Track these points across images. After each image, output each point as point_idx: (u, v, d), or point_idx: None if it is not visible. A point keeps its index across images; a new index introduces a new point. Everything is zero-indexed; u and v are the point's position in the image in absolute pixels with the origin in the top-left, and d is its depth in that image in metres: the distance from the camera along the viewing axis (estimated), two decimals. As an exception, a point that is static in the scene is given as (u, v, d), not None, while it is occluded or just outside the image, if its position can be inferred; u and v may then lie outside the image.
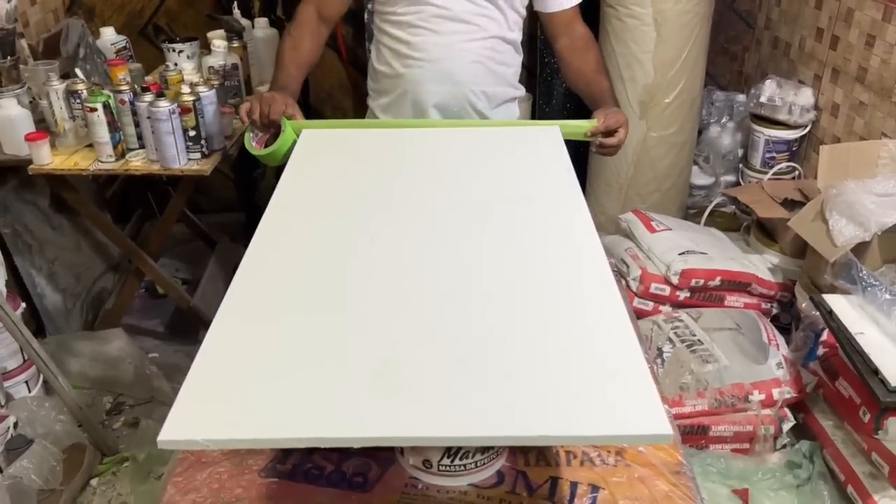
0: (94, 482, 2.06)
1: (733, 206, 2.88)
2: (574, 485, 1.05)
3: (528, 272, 1.10)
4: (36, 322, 2.48)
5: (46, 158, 2.03)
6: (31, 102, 2.20)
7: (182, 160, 2.01)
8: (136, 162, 2.05)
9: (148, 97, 1.95)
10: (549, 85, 3.16)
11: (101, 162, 2.04)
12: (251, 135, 1.66)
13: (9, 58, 2.10)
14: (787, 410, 2.08)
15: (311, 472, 1.07)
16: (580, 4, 1.83)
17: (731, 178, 3.06)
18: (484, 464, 1.05)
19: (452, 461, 1.03)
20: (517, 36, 1.82)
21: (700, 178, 3.10)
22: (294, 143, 1.60)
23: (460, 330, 0.97)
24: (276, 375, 0.89)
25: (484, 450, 1.04)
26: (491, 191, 1.35)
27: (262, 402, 0.86)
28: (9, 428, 2.04)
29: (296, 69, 1.73)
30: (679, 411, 2.05)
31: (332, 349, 0.94)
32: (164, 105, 1.92)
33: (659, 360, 2.17)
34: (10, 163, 2.13)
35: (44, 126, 2.16)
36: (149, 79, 2.10)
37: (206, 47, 2.41)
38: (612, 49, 2.72)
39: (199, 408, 0.86)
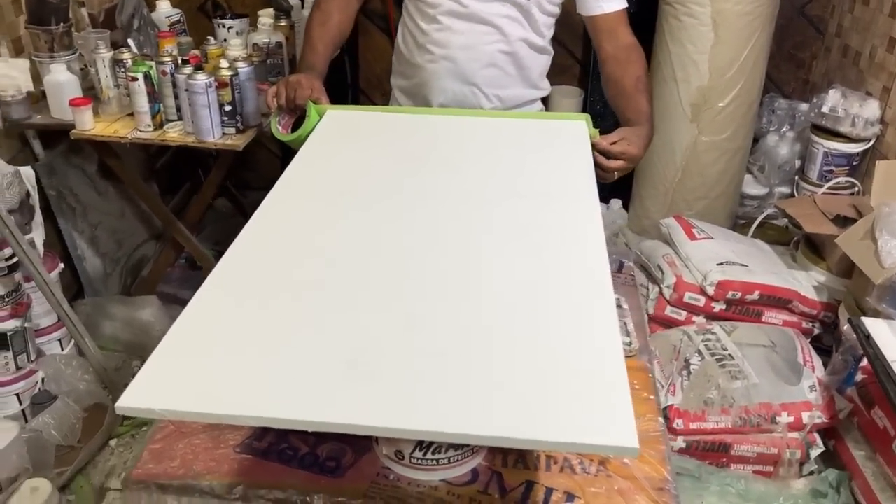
0: (112, 443, 2.11)
1: (785, 219, 2.76)
2: (549, 491, 1.02)
3: (523, 272, 1.06)
4: (77, 284, 2.56)
5: (88, 124, 2.08)
6: (82, 70, 2.26)
7: (216, 134, 2.03)
8: (173, 133, 2.08)
9: (187, 70, 1.98)
10: (602, 82, 3.09)
11: (140, 131, 2.08)
12: (277, 119, 1.66)
13: (62, 25, 2.15)
14: (816, 436, 1.98)
15: (285, 453, 1.06)
16: (629, 9, 1.73)
17: (785, 189, 2.93)
18: (457, 460, 1.02)
19: (424, 454, 1.01)
20: (544, 38, 1.76)
21: (753, 188, 2.98)
22: None
23: (444, 323, 0.94)
24: (249, 353, 0.88)
25: (458, 446, 1.01)
26: (503, 185, 1.31)
27: (229, 377, 0.85)
28: (37, 383, 2.11)
29: (324, 47, 1.72)
30: (700, 426, 1.98)
31: (311, 332, 0.92)
32: (202, 78, 1.94)
33: (685, 373, 2.10)
34: (58, 126, 2.19)
35: (92, 93, 2.22)
36: (193, 52, 2.13)
37: (255, 25, 2.43)
38: (667, 48, 2.63)
39: (164, 377, 0.85)
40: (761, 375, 2.02)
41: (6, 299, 1.99)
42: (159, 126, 2.09)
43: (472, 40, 1.70)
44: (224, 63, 1.98)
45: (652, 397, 1.19)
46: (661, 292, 2.36)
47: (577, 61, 3.20)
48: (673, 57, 2.62)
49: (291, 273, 1.04)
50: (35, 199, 2.11)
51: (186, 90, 1.98)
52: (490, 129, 1.55)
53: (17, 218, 2.11)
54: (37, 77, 2.21)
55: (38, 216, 2.14)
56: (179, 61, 2.03)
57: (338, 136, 1.52)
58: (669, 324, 2.36)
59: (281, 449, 1.07)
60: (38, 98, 2.23)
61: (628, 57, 1.70)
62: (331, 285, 1.01)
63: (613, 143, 1.53)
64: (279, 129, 1.66)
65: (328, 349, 0.89)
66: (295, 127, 1.67)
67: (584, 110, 3.18)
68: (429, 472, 1.02)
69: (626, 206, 3.13)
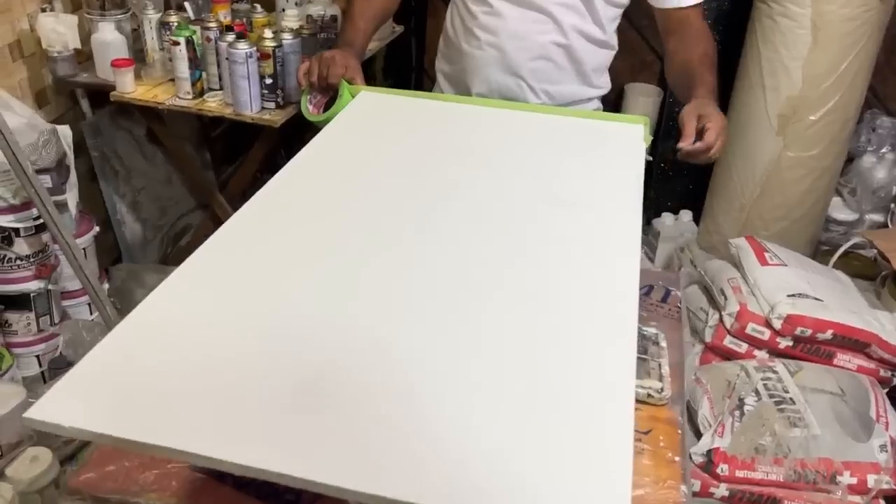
0: (126, 416, 2.05)
1: (873, 251, 2.48)
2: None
3: (535, 295, 0.90)
4: (118, 249, 2.53)
5: (129, 87, 2.02)
6: (134, 31, 2.20)
7: (254, 107, 1.92)
8: (212, 103, 1.99)
9: (230, 37, 1.88)
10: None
11: (179, 98, 2.00)
12: (308, 97, 1.54)
13: (115, -19, 2.09)
14: (882, 503, 1.75)
15: (243, 478, 0.94)
16: (723, 6, 1.56)
17: (878, 217, 2.64)
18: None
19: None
20: (605, 31, 1.58)
21: (841, 212, 2.70)
22: None
23: (423, 356, 0.80)
24: (189, 369, 0.76)
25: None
26: (534, 188, 1.15)
27: (159, 397, 0.73)
28: (58, 346, 2.07)
29: (365, 22, 1.60)
30: (748, 476, 1.77)
31: (267, 349, 0.79)
32: (243, 48, 1.84)
33: (738, 413, 1.88)
34: (102, 87, 2.13)
35: (142, 55, 2.15)
36: (238, 20, 2.03)
37: (320, -4, 2.32)
38: (758, 51, 2.39)
39: (86, 389, 0.74)
40: (825, 426, 1.79)
41: (31, 259, 1.95)
42: (200, 94, 2.00)
43: (522, 28, 1.54)
44: (268, 33, 1.87)
45: (678, 459, 1.01)
46: (721, 320, 2.15)
47: (658, 58, 2.97)
48: (763, 61, 2.37)
49: (264, 277, 0.91)
50: (71, 158, 2.06)
51: (227, 59, 1.88)
52: (533, 125, 1.39)
53: (53, 177, 2.07)
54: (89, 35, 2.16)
55: (73, 177, 2.09)
56: (225, 28, 1.93)
57: (364, 119, 1.39)
58: (728, 355, 2.14)
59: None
60: (86, 56, 2.17)
61: (697, 38, 1.54)
62: (305, 294, 0.88)
63: (700, 129, 1.35)
64: (309, 108, 1.55)
65: (280, 373, 0.76)
66: (328, 107, 1.55)
67: (661, 111, 2.96)
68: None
69: (696, 218, 2.90)
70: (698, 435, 1.85)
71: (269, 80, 1.90)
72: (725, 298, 2.16)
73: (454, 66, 1.66)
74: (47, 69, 2.15)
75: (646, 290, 1.34)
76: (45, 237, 1.97)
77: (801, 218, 2.54)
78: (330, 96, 1.54)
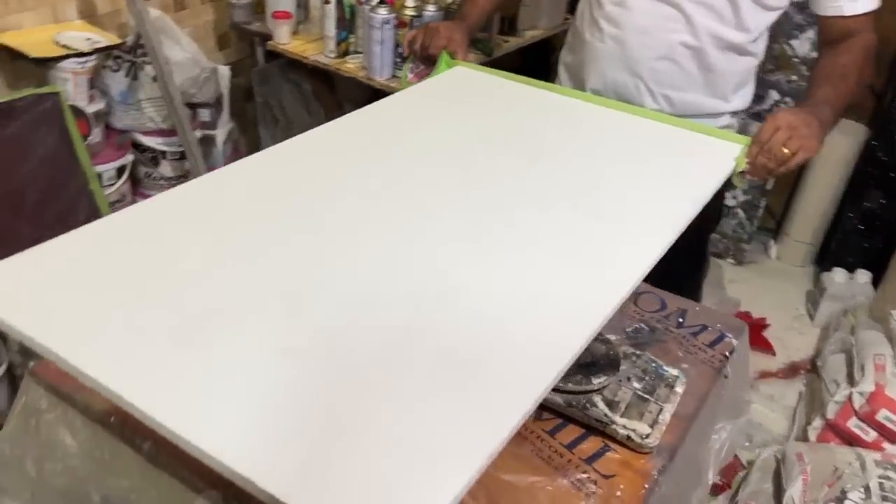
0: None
1: None
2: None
3: (504, 293, 0.82)
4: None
5: (284, 38, 2.13)
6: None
7: (385, 73, 1.95)
8: (351, 64, 2.04)
9: (374, 2, 1.91)
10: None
11: (324, 56, 2.08)
12: (411, 66, 1.53)
13: (295, -61, 2.21)
14: None
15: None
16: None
17: None
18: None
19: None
20: (750, 36, 1.38)
21: None
22: None
23: (357, 333, 0.76)
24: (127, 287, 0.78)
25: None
26: (575, 188, 1.04)
27: (79, 307, 0.75)
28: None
29: (486, 1, 1.54)
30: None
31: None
32: (381, 13, 1.87)
33: (834, 505, 1.61)
34: (268, 36, 2.27)
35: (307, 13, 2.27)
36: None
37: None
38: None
39: (18, 281, 0.78)
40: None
41: (173, 182, 2.14)
42: (343, 54, 2.07)
43: (648, 23, 1.39)
44: (410, 3, 1.88)
45: None
46: (850, 397, 1.84)
47: (869, 90, 2.59)
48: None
49: (248, 223, 0.91)
50: (226, 98, 2.23)
51: (366, 23, 1.92)
52: (614, 125, 1.26)
53: (210, 112, 2.25)
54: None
55: (226, 115, 2.26)
56: (376, -7, 1.98)
57: (440, 91, 1.35)
58: (850, 440, 1.83)
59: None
60: (263, 7, 2.33)
61: (848, 49, 1.32)
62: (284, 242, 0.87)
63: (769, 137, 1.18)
64: (409, 76, 1.53)
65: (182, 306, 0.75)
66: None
67: (863, 155, 2.58)
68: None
69: (876, 282, 2.51)
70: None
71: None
72: (863, 374, 1.85)
73: (575, 57, 1.56)
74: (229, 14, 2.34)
75: (696, 330, 1.17)
76: (188, 165, 2.15)
77: None
78: (432, 67, 1.52)
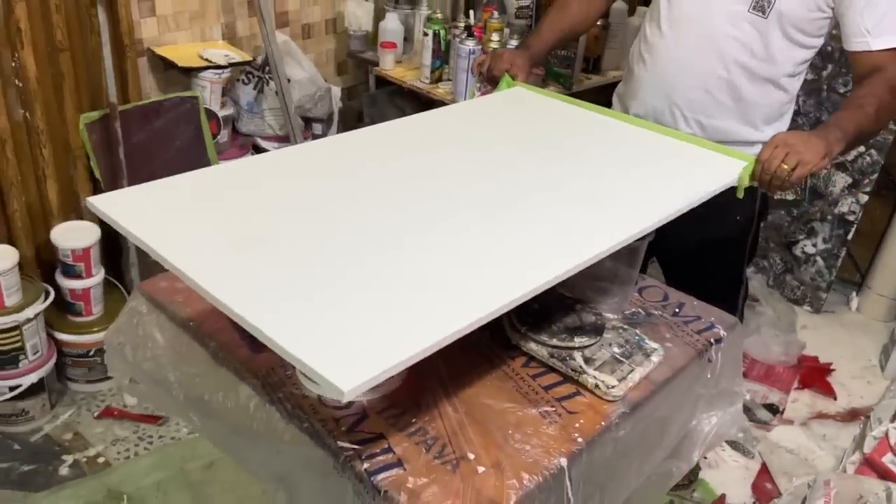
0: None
1: None
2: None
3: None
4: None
5: (388, 65, 2.44)
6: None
7: (468, 97, 2.20)
8: (441, 89, 2.32)
9: (463, 35, 2.19)
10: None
11: (419, 81, 2.36)
12: (479, 86, 1.77)
13: (408, -18, 2.54)
14: None
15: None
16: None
17: None
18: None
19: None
20: (781, 73, 1.51)
21: None
22: None
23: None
24: (230, 218, 1.04)
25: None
26: (584, 189, 1.23)
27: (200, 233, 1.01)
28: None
29: (550, 32, 1.75)
30: None
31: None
32: (468, 45, 2.13)
33: (849, 529, 1.66)
34: (376, 63, 2.60)
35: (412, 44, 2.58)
36: (478, 24, 2.33)
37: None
38: None
39: (144, 203, 1.07)
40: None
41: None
42: (436, 81, 2.35)
43: (683, 55, 1.57)
44: (495, 36, 2.13)
45: (580, 440, 1.02)
46: (887, 433, 1.87)
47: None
48: None
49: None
50: (336, 114, 2.56)
51: (455, 53, 2.19)
52: (639, 140, 1.43)
53: (322, 126, 2.59)
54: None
55: (335, 130, 2.58)
56: (465, 28, 2.25)
57: (493, 106, 1.58)
58: (884, 475, 1.86)
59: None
60: (374, 38, 2.67)
61: (876, 82, 1.40)
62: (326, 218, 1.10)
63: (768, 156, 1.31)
64: (476, 94, 1.78)
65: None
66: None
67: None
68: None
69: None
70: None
71: (486, 77, 2.17)
72: (904, 411, 1.88)
73: (625, 87, 1.74)
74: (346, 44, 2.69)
75: (689, 319, 1.31)
76: (297, 168, 2.48)
77: None
78: (495, 87, 1.75)
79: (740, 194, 1.35)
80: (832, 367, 2.54)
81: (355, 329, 0.86)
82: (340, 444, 0.99)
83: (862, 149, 2.65)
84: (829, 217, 2.77)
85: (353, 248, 1.00)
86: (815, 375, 2.49)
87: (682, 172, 1.32)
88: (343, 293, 0.91)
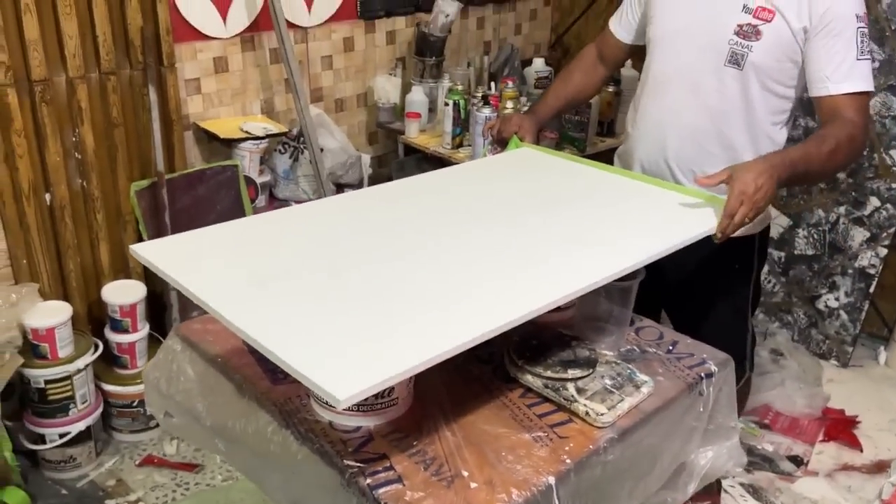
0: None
1: None
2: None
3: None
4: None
5: (413, 133, 2.62)
6: (447, 93, 2.82)
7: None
8: (461, 154, 2.47)
9: (480, 104, 2.35)
10: None
11: (442, 147, 2.53)
12: (490, 147, 1.91)
13: (434, 58, 2.73)
14: None
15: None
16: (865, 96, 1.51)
17: None
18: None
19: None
20: (768, 120, 1.61)
21: None
22: None
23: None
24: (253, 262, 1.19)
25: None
26: (573, 234, 1.34)
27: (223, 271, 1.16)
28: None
29: (555, 100, 1.89)
30: None
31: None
32: (484, 112, 2.29)
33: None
34: (402, 132, 2.78)
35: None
36: (494, 94, 2.50)
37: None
38: None
39: (177, 249, 1.22)
40: None
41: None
42: (457, 146, 2.51)
43: (672, 111, 1.67)
44: (510, 104, 2.30)
45: (568, 461, 1.11)
46: (903, 479, 1.88)
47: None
48: None
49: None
50: (366, 180, 2.73)
51: (473, 120, 2.35)
52: (630, 192, 1.55)
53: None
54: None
55: (364, 194, 2.75)
56: (482, 98, 2.42)
57: (499, 164, 1.72)
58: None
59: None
60: (401, 110, 2.86)
61: (832, 124, 1.50)
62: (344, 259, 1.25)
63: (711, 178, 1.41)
64: (488, 155, 1.92)
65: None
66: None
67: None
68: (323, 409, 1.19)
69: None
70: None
71: (500, 141, 2.33)
72: (919, 459, 1.89)
73: (623, 147, 1.86)
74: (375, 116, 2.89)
75: (682, 356, 1.38)
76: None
77: None
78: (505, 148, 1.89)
79: (716, 240, 1.42)
80: (858, 419, 2.54)
81: (355, 350, 0.97)
82: (347, 462, 1.09)
83: (878, 203, 2.71)
84: (850, 271, 2.81)
85: (361, 284, 1.13)
86: (840, 428, 2.49)
87: (669, 219, 1.42)
88: (346, 321, 1.04)
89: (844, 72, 1.48)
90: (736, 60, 1.56)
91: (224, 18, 2.40)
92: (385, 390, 1.14)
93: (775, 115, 1.63)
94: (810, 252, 2.89)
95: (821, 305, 2.91)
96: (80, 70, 2.09)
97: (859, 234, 2.77)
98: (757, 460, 2.36)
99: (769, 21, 1.52)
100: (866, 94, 1.51)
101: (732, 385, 1.43)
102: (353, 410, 1.15)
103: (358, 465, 1.08)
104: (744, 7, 1.54)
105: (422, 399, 1.23)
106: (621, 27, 1.83)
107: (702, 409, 1.36)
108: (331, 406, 1.14)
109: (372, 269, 1.18)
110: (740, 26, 1.54)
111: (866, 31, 1.50)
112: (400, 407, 1.19)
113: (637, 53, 1.85)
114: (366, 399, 1.12)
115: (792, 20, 1.51)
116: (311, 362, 0.94)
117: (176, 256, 1.20)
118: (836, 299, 2.87)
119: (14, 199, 2.08)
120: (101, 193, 2.22)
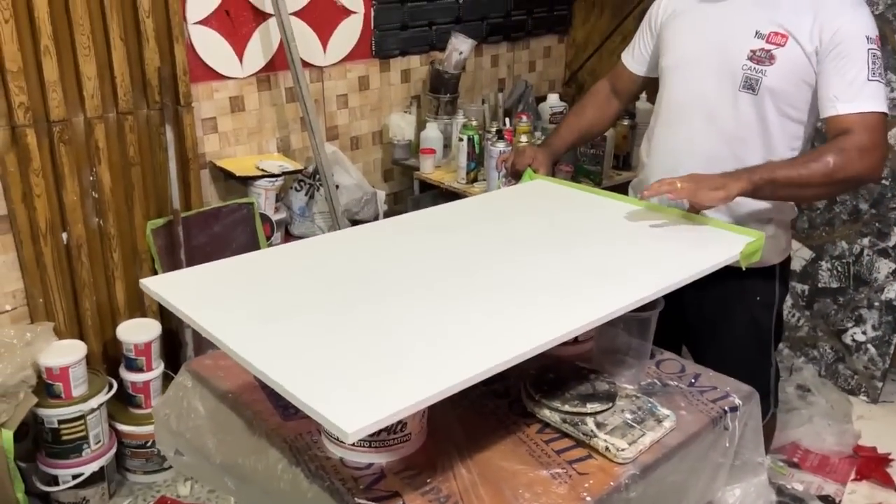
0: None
1: None
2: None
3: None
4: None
5: (428, 169, 2.61)
6: (461, 129, 2.82)
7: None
8: (476, 189, 2.46)
9: (495, 139, 2.35)
10: None
11: (457, 182, 2.52)
12: (504, 180, 1.90)
13: (448, 95, 2.74)
14: None
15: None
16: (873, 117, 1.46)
17: None
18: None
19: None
20: (786, 145, 1.59)
21: None
22: None
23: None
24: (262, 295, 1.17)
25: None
26: (596, 265, 1.31)
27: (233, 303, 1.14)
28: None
29: (568, 133, 1.88)
30: None
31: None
32: (498, 147, 2.29)
33: None
34: (417, 168, 2.78)
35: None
36: (508, 128, 2.49)
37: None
38: None
39: (183, 283, 1.21)
40: None
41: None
42: (472, 181, 2.50)
43: (688, 138, 1.64)
44: (524, 138, 2.29)
45: (588, 498, 1.06)
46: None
47: None
48: None
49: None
50: (381, 216, 2.72)
51: (488, 154, 2.35)
52: (648, 222, 1.52)
53: (368, 228, 2.75)
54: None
55: (380, 231, 2.74)
56: (496, 133, 2.42)
57: (513, 196, 1.70)
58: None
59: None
60: (416, 147, 2.86)
61: (836, 140, 1.47)
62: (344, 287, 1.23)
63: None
64: (502, 187, 1.91)
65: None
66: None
67: None
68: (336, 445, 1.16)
69: None
70: None
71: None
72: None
73: (639, 177, 1.84)
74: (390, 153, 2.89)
75: (705, 389, 1.34)
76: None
77: None
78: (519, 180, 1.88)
79: (743, 266, 1.39)
80: (891, 457, 2.45)
81: (365, 383, 0.95)
82: (358, 501, 1.05)
83: (906, 236, 2.66)
84: (877, 304, 2.75)
85: (374, 316, 1.11)
86: (872, 466, 2.41)
87: (686, 249, 1.39)
88: (357, 354, 1.01)
89: (854, 91, 1.46)
90: (750, 85, 1.54)
91: (240, 58, 2.43)
92: (397, 425, 1.11)
93: (792, 141, 1.60)
94: (835, 285, 2.83)
95: (848, 339, 2.84)
96: (98, 110, 2.12)
97: (885, 266, 2.71)
98: (787, 501, 2.28)
99: (782, 45, 1.51)
100: (879, 115, 1.47)
101: (758, 419, 1.38)
102: (364, 446, 1.12)
103: (370, 503, 1.05)
104: (756, 33, 1.53)
105: (435, 435, 1.20)
106: (634, 60, 1.82)
107: (727, 445, 1.31)
108: (341, 442, 1.11)
109: (384, 302, 1.16)
110: (753, 52, 1.53)
111: (878, 53, 1.48)
112: (413, 443, 1.16)
113: (651, 87, 1.83)
114: (377, 435, 1.10)
115: (805, 43, 1.49)
116: (320, 395, 0.91)
117: (186, 289, 1.18)
118: (864, 333, 2.80)
119: (31, 238, 2.09)
120: (117, 232, 2.22)
